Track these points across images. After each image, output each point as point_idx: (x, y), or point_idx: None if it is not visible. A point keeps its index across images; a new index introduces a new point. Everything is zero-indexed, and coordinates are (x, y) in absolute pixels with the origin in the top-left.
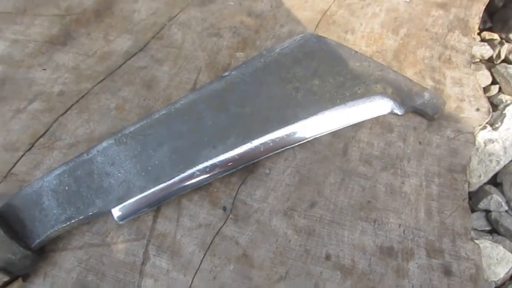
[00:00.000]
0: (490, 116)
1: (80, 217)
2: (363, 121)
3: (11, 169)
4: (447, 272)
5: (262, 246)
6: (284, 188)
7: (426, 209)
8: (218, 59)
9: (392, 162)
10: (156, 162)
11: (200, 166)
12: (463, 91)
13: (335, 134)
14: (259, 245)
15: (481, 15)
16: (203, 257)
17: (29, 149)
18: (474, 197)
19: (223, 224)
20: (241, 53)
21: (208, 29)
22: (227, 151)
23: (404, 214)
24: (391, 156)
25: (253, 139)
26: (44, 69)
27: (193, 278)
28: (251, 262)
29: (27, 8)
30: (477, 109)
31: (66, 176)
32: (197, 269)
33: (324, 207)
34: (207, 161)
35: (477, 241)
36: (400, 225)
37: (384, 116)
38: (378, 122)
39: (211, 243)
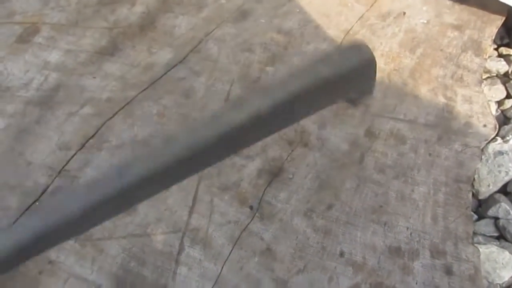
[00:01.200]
0: (499, 129)
1: None
2: (379, 133)
3: (64, 166)
4: (449, 271)
5: (283, 242)
6: (305, 191)
7: (432, 214)
8: (250, 72)
9: (403, 171)
10: None
11: None
12: (472, 108)
13: (354, 144)
14: (281, 241)
15: (493, 37)
16: (232, 250)
17: (80, 148)
18: (484, 205)
19: (250, 221)
20: (270, 68)
21: (241, 44)
22: None
23: (412, 218)
24: (403, 166)
25: None
26: (94, 77)
27: (222, 267)
28: (273, 256)
29: (78, 21)
30: (484, 125)
31: None
32: (226, 260)
33: (340, 209)
34: None
35: (484, 246)
36: (408, 228)
37: (398, 128)
38: (392, 134)
39: (238, 237)
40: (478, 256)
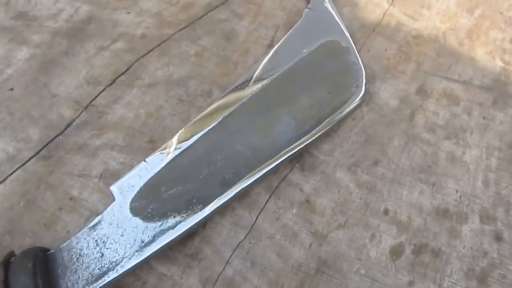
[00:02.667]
0: None
1: None
2: (431, 92)
3: (92, 100)
4: (498, 238)
5: (324, 195)
6: (350, 145)
7: (483, 179)
8: (295, 20)
9: (455, 132)
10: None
11: None
12: None
13: (404, 100)
14: (322, 194)
15: None
16: (268, 199)
17: (110, 84)
18: None
19: (290, 171)
20: None
21: None
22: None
23: (462, 181)
24: (455, 127)
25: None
26: (129, 12)
27: (257, 217)
28: (312, 208)
29: None
30: None
31: None
32: (262, 209)
33: (387, 166)
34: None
35: None
36: (457, 190)
37: (451, 89)
38: (445, 94)
39: (277, 187)
40: None
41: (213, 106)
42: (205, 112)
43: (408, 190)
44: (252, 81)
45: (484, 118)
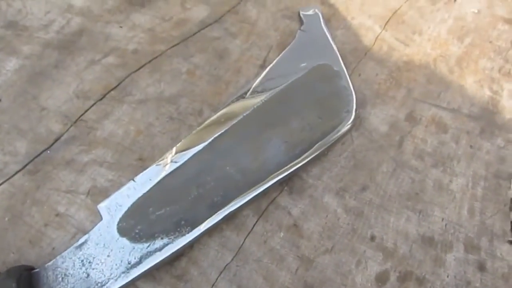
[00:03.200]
0: None
1: None
2: (420, 118)
3: (81, 115)
4: (482, 267)
5: (312, 220)
6: (339, 170)
7: (469, 208)
8: (289, 41)
9: (443, 160)
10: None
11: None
12: None
13: (393, 126)
14: (310, 218)
15: None
16: (256, 221)
17: (100, 99)
18: None
19: (278, 194)
20: None
21: (283, 10)
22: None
23: (448, 209)
24: (442, 155)
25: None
26: (121, 27)
27: (245, 239)
28: (300, 232)
29: None
30: None
31: None
32: (250, 232)
33: (375, 192)
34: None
35: None
36: (443, 219)
37: (440, 116)
38: (434, 121)
39: (265, 209)
40: None
41: (203, 126)
42: (195, 131)
43: (395, 217)
44: (243, 102)
45: (471, 147)
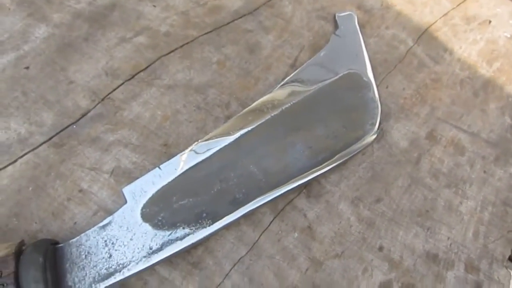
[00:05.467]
0: None
1: None
2: (440, 138)
3: (109, 93)
4: None
5: (326, 224)
6: (357, 179)
7: (474, 230)
8: (321, 43)
9: (456, 182)
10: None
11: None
12: None
13: (413, 143)
14: (324, 222)
15: None
16: (273, 220)
17: (129, 79)
18: None
19: (296, 196)
20: None
21: (318, 10)
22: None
23: (455, 230)
24: (456, 177)
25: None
26: (154, 6)
27: (260, 235)
28: (313, 235)
29: None
30: None
31: None
32: (265, 229)
33: (388, 205)
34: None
35: None
36: (449, 238)
37: (459, 138)
38: (453, 143)
39: (282, 209)
40: (509, 280)
41: (231, 122)
42: (222, 125)
43: (404, 231)
44: (272, 101)
45: (485, 172)
